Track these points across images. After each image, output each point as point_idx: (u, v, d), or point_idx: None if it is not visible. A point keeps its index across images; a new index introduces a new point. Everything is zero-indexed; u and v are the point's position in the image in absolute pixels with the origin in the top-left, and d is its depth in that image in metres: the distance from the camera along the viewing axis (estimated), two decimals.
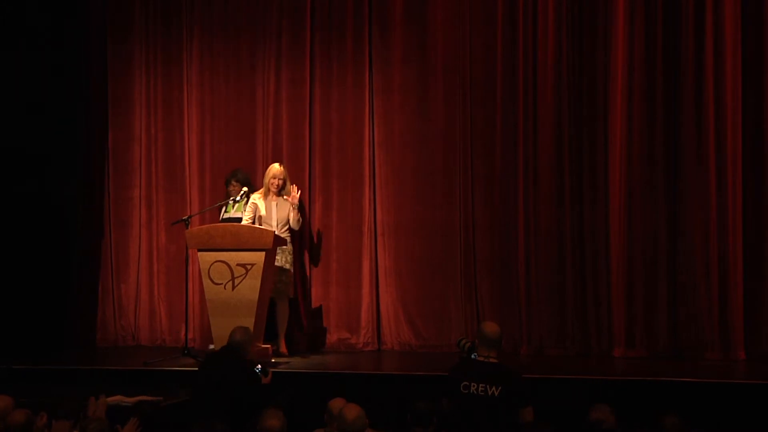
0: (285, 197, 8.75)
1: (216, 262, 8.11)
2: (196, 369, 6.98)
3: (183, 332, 9.12)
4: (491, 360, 5.86)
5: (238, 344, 6.73)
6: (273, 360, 8.31)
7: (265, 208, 8.72)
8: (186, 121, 9.78)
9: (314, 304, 9.46)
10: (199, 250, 8.19)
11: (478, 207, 9.21)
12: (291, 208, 8.70)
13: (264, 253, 8.07)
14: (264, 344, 8.35)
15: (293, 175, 9.49)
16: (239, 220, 8.82)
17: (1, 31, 9.25)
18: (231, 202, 8.88)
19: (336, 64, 9.53)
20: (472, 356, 6.01)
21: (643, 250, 8.74)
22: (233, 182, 9.08)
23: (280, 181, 8.74)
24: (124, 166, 9.89)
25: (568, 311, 8.90)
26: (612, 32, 8.82)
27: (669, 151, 8.73)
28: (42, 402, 5.84)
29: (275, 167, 8.81)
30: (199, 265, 8.25)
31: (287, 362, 8.44)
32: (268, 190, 8.77)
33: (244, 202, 8.86)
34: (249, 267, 8.06)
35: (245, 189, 8.78)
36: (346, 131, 9.51)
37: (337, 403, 5.60)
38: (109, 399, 6.42)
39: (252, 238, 8.14)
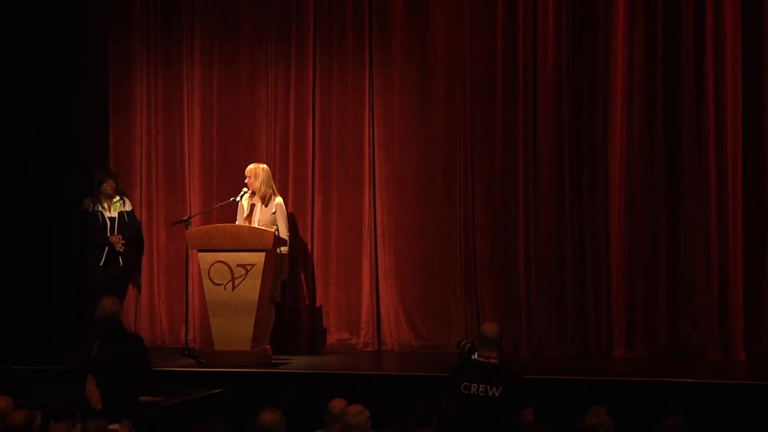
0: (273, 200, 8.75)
1: (216, 262, 8.12)
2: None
3: (183, 333, 9.12)
4: (491, 361, 5.85)
5: (115, 314, 6.55)
6: (273, 361, 8.32)
7: (247, 209, 8.71)
8: (186, 121, 9.78)
9: (314, 304, 9.45)
10: (199, 251, 8.20)
11: (478, 207, 9.21)
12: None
13: (264, 253, 8.09)
14: (264, 345, 8.37)
15: (297, 175, 9.51)
16: (105, 218, 9.09)
17: (1, 32, 9.25)
18: (232, 200, 8.86)
19: (336, 64, 9.53)
20: (473, 357, 6.00)
21: (643, 250, 8.74)
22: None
23: (251, 179, 8.71)
24: (125, 167, 9.88)
25: (568, 312, 8.89)
26: (612, 32, 8.82)
27: (669, 151, 8.73)
28: (41, 402, 5.84)
29: (248, 167, 8.80)
30: (199, 265, 8.26)
31: (287, 362, 8.44)
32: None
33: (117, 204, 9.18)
34: (249, 267, 8.07)
35: (245, 189, 8.78)
36: (346, 132, 9.51)
37: (337, 404, 5.60)
38: None
39: (252, 239, 8.15)
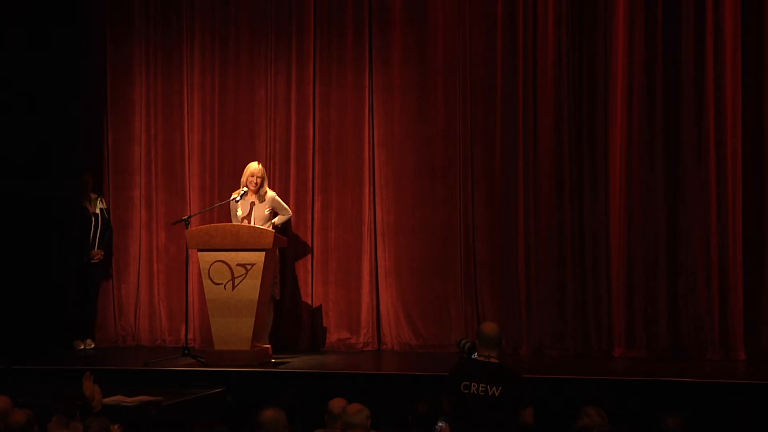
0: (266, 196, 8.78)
1: (216, 262, 8.12)
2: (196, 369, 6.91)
3: (183, 332, 9.12)
4: (492, 360, 5.84)
5: None
6: (273, 360, 8.32)
7: (242, 207, 8.71)
8: (186, 121, 9.78)
9: (314, 304, 9.45)
10: (199, 250, 8.20)
11: (478, 207, 9.21)
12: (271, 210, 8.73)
13: (264, 253, 8.09)
14: (264, 344, 8.37)
15: (297, 175, 9.52)
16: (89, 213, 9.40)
17: (0, 31, 9.25)
18: (232, 200, 8.86)
19: (336, 64, 9.53)
20: (473, 356, 5.99)
21: (643, 250, 8.74)
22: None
23: (259, 179, 8.73)
24: (124, 167, 9.89)
25: (568, 311, 8.90)
26: (612, 32, 8.83)
27: (669, 151, 8.73)
28: (41, 402, 5.83)
29: (253, 165, 8.80)
30: (199, 265, 8.26)
31: (287, 362, 8.44)
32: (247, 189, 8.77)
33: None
34: (249, 267, 8.07)
35: (245, 189, 8.77)
36: (346, 131, 9.51)
37: (337, 404, 5.60)
38: (109, 399, 6.43)
39: (252, 238, 8.15)
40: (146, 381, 7.70)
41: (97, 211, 9.47)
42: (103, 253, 9.48)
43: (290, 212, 8.99)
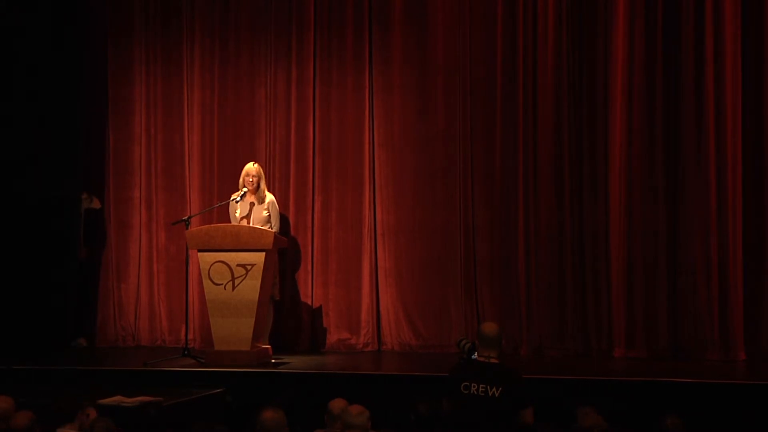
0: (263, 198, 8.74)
1: (216, 262, 8.11)
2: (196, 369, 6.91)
3: (183, 332, 9.11)
4: (492, 360, 5.84)
5: None
6: (273, 360, 8.32)
7: (241, 208, 8.70)
8: (186, 121, 9.78)
9: (314, 304, 9.45)
10: (199, 251, 8.20)
11: (478, 207, 9.21)
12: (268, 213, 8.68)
13: (264, 253, 8.08)
14: (264, 345, 8.38)
15: (297, 175, 9.52)
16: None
17: (1, 31, 9.25)
18: (232, 200, 8.85)
19: (336, 64, 9.54)
20: (473, 357, 5.99)
21: (643, 249, 8.74)
22: None
23: (255, 179, 8.69)
24: (124, 167, 9.89)
25: (568, 311, 8.90)
26: (612, 32, 8.83)
27: (669, 151, 8.74)
28: (41, 402, 5.83)
29: (249, 166, 8.75)
30: (199, 265, 8.26)
31: (287, 362, 8.44)
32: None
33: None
34: (249, 267, 8.06)
35: (245, 189, 8.76)
36: (346, 131, 9.51)
37: (337, 404, 5.60)
38: (109, 399, 6.43)
39: (252, 239, 8.14)
40: (146, 381, 7.69)
41: (81, 211, 9.51)
42: (86, 251, 9.50)
43: (276, 229, 8.64)
